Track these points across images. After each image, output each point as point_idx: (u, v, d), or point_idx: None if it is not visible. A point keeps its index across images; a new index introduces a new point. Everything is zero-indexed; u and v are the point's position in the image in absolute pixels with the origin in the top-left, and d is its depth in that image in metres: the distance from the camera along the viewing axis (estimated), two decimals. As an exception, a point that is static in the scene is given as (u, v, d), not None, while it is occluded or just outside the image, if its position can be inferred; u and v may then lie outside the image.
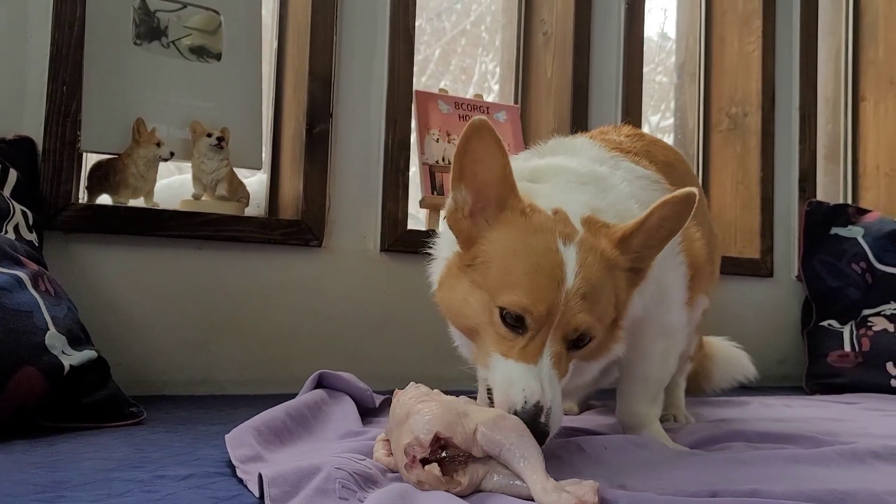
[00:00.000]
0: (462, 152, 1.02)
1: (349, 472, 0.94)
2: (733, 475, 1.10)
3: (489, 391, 1.02)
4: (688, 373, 1.80)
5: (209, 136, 1.90)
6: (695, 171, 2.56)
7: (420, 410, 0.92)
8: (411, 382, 1.07)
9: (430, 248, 1.22)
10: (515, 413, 0.95)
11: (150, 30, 1.91)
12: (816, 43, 3.02)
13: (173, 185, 2.10)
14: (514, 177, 1.03)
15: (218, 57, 2.00)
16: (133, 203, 1.86)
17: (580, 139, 1.41)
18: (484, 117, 1.00)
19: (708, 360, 1.96)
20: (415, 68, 2.16)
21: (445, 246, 1.15)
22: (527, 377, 0.97)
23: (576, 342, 1.01)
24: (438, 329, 2.10)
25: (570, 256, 0.99)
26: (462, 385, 2.05)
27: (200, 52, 1.96)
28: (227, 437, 1.11)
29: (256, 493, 0.90)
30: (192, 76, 1.96)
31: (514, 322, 0.99)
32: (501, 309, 0.99)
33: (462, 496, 0.93)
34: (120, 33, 1.87)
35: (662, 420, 1.68)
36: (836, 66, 3.34)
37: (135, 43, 1.89)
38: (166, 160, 1.86)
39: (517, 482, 0.92)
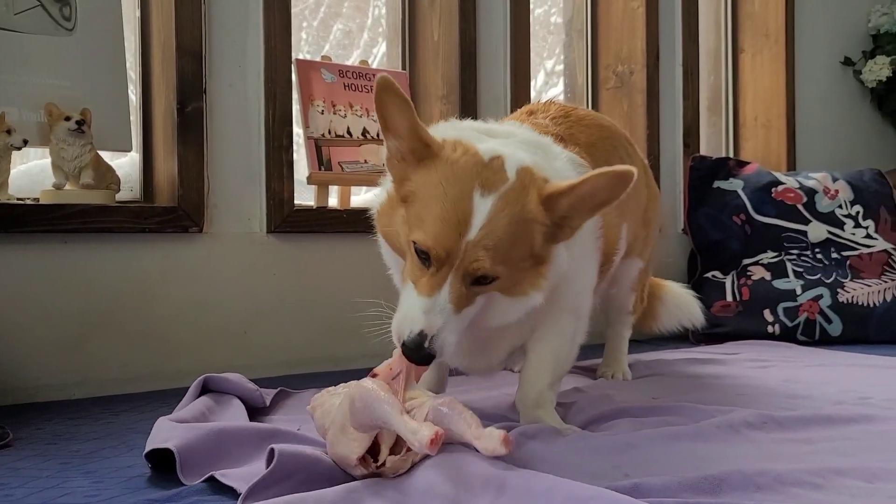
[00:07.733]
0: (378, 106, 1.12)
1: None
2: (619, 461, 1.13)
3: None
4: (630, 327, 1.92)
5: (68, 119, 1.74)
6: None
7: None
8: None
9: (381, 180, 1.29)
10: (403, 343, 1.06)
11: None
12: (698, -2, 3.06)
13: (33, 172, 1.93)
14: (420, 127, 1.12)
15: (70, 28, 1.82)
16: (-14, 197, 1.70)
17: (509, 123, 1.45)
18: (387, 75, 1.09)
19: (657, 302, 2.04)
20: (302, 35, 2.04)
21: (389, 180, 1.23)
22: (417, 311, 1.08)
23: (478, 280, 1.10)
24: (332, 309, 2.07)
25: (483, 208, 1.08)
26: (357, 363, 2.03)
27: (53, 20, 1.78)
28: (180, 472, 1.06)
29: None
30: (42, 52, 1.78)
31: (423, 255, 1.09)
32: (414, 242, 1.10)
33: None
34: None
35: (601, 377, 1.86)
36: (716, 18, 3.42)
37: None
38: (19, 149, 1.70)
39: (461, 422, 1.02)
